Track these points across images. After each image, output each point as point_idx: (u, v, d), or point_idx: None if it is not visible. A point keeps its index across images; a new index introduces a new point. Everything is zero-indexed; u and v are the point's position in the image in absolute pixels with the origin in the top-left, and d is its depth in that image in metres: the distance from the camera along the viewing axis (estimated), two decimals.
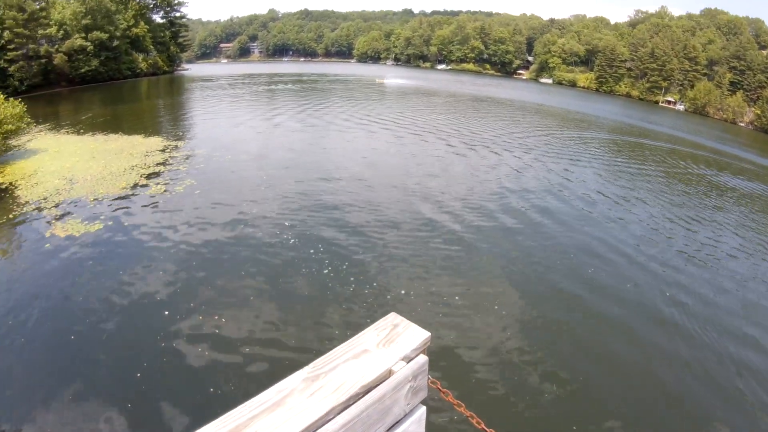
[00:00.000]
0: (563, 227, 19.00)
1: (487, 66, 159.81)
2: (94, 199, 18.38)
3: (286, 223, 16.75)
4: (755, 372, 11.20)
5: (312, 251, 14.77)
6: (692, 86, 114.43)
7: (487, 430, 2.57)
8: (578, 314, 12.87)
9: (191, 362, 9.61)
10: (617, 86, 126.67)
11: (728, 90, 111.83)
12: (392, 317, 2.34)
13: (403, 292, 12.91)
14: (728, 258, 18.34)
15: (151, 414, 8.38)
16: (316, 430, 1.76)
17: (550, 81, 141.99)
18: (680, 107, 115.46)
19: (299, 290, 12.63)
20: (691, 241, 19.48)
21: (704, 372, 11.05)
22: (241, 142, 29.98)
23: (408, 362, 2.13)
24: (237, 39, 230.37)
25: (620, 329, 12.43)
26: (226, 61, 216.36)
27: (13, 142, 25.69)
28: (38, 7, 62.72)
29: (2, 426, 8.03)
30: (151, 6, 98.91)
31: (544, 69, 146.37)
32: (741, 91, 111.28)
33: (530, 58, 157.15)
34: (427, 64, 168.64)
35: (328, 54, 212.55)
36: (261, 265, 13.82)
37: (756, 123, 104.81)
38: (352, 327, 10.87)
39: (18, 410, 8.38)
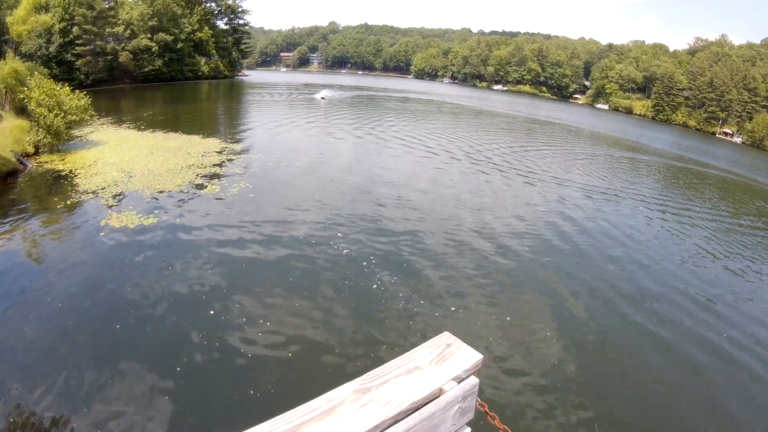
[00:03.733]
0: (630, 260, 18.50)
1: (544, 89, 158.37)
2: (150, 194, 18.85)
3: (339, 234, 16.78)
4: None
5: (364, 263, 14.74)
6: (751, 118, 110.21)
7: None
8: (638, 357, 12.39)
9: (232, 362, 9.67)
10: (674, 115, 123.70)
11: None
12: (446, 336, 2.31)
13: (453, 309, 12.78)
14: None
15: (188, 410, 8.46)
16: None
17: (606, 107, 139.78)
18: (738, 139, 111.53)
19: (348, 301, 12.60)
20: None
21: None
22: (297, 151, 30.30)
23: (459, 383, 2.09)
24: (297, 49, 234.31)
25: (685, 374, 11.83)
26: (285, 69, 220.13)
27: (76, 132, 26.72)
28: (107, 6, 65.39)
29: (38, 407, 8.23)
30: (216, 12, 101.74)
31: (600, 94, 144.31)
32: None
33: (587, 83, 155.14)
34: (484, 84, 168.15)
35: (385, 68, 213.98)
36: (310, 273, 13.85)
37: None
38: (400, 343, 10.80)
39: (56, 393, 8.57)
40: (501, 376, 10.28)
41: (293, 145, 32.56)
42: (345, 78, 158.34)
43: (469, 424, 2.23)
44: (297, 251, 15.16)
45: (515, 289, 14.54)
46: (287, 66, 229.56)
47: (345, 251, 15.43)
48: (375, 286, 13.40)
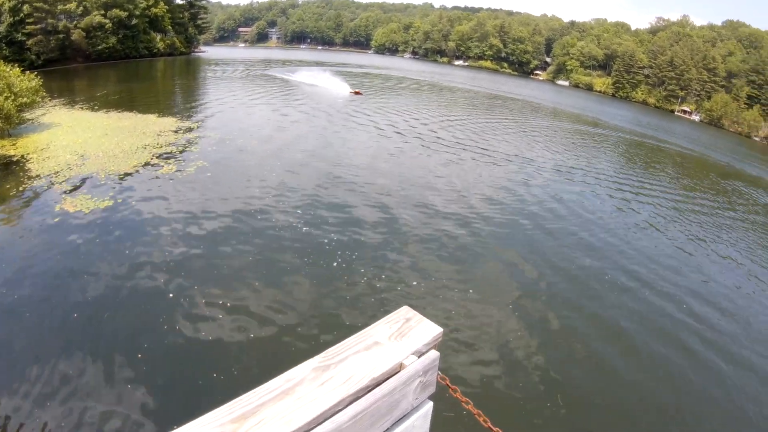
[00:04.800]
0: (584, 228, 19.02)
1: (505, 65, 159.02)
2: (105, 176, 18.46)
3: (298, 212, 16.76)
4: None
5: (325, 240, 14.78)
6: (709, 97, 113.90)
7: (493, 428, 2.54)
8: (594, 321, 12.78)
9: (194, 346, 9.62)
10: (634, 92, 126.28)
11: (745, 103, 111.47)
12: (405, 311, 2.33)
13: (414, 283, 12.92)
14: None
15: (151, 396, 8.39)
16: (325, 420, 1.75)
17: (566, 83, 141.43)
18: (695, 117, 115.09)
19: (308, 279, 12.61)
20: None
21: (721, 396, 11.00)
22: (254, 128, 29.97)
23: (419, 357, 2.11)
24: (256, 24, 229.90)
25: (635, 339, 12.32)
26: (243, 45, 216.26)
27: (27, 115, 25.80)
28: None
29: None
30: None
31: (561, 71, 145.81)
32: (758, 105, 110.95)
33: (548, 59, 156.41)
34: (445, 59, 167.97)
35: (345, 44, 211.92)
36: (270, 253, 13.81)
37: None
38: (362, 318, 10.89)
39: (12, 384, 8.43)
40: (463, 349, 10.48)
41: (251, 122, 32.21)
42: (304, 53, 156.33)
43: (431, 398, 2.24)
44: (256, 230, 15.09)
45: (477, 264, 14.78)
46: (245, 42, 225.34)
47: (305, 229, 15.42)
48: (336, 264, 13.45)
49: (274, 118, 34.01)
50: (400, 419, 2.09)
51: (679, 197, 27.95)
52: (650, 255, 17.83)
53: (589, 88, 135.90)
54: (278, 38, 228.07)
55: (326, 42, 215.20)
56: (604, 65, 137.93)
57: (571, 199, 22.62)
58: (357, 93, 51.19)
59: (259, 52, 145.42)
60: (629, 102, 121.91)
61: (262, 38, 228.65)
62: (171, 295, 11.20)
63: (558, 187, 24.37)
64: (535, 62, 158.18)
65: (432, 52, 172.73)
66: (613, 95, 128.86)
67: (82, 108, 31.39)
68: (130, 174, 19.01)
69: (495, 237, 16.98)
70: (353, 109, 41.01)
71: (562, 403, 9.37)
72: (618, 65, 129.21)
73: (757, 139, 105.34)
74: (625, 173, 31.91)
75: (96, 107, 31.72)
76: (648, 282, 15.44)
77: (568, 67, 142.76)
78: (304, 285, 12.31)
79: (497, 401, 9.19)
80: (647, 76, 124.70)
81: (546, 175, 26.74)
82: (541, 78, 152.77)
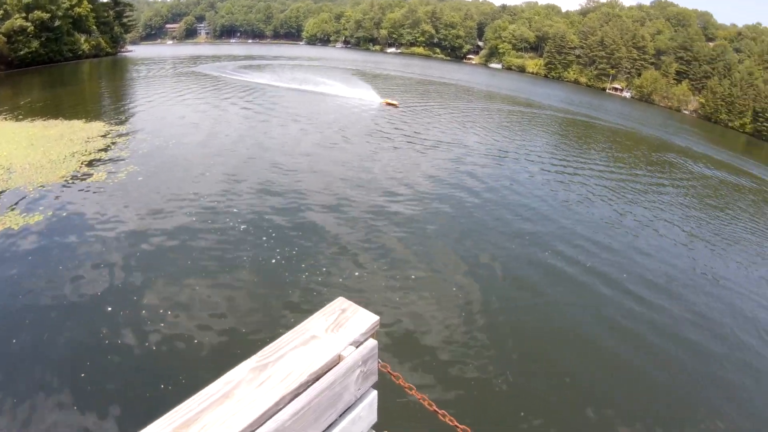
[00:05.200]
0: (520, 208, 19.49)
1: (437, 50, 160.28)
2: (34, 189, 17.69)
3: (234, 210, 16.54)
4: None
5: (263, 238, 14.65)
6: (639, 74, 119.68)
7: (438, 411, 2.59)
8: (533, 299, 13.13)
9: (137, 358, 9.40)
10: (566, 72, 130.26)
11: (674, 79, 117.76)
12: (340, 302, 2.34)
13: (356, 274, 12.97)
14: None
15: (99, 415, 8.15)
16: (266, 420, 1.74)
17: (499, 66, 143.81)
18: (627, 94, 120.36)
19: (249, 278, 12.49)
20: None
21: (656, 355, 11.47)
22: (186, 128, 29.33)
23: (357, 347, 2.12)
24: (183, 20, 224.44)
25: (575, 317, 12.75)
26: (171, 42, 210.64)
27: None
28: None
29: None
30: None
31: (493, 54, 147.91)
32: (687, 80, 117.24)
33: (480, 44, 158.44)
34: (377, 47, 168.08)
35: (276, 36, 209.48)
36: (208, 254, 13.59)
37: (700, 111, 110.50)
38: (304, 313, 10.79)
39: None
40: (404, 335, 10.58)
41: (182, 122, 31.43)
42: (235, 48, 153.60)
43: (374, 386, 2.26)
44: (192, 232, 14.83)
45: (415, 251, 14.90)
46: (173, 38, 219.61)
47: (242, 227, 15.27)
48: (275, 261, 13.37)
49: (206, 117, 33.27)
50: (345, 411, 2.09)
51: (612, 171, 28.96)
52: (586, 229, 18.53)
53: (522, 70, 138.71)
54: (207, 33, 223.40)
55: (257, 35, 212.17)
56: (535, 47, 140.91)
57: (508, 180, 23.18)
58: (392, 104, 42.67)
59: (187, 49, 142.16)
60: (561, 82, 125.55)
61: (190, 34, 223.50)
62: (110, 308, 10.87)
63: (494, 170, 24.96)
64: (468, 47, 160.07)
65: (364, 41, 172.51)
66: (546, 76, 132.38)
67: (4, 118, 30.02)
68: (59, 185, 18.28)
69: (432, 223, 17.20)
70: (285, 102, 40.66)
71: (508, 382, 9.62)
72: (549, 47, 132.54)
73: (686, 112, 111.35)
74: (559, 151, 32.87)
75: (20, 116, 30.40)
76: (584, 258, 15.98)
77: (501, 51, 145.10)
78: (244, 284, 12.20)
79: (442, 384, 9.30)
80: (578, 57, 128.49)
81: (480, 158, 27.30)
82: (474, 62, 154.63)
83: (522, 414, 8.92)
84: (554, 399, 9.53)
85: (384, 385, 2.42)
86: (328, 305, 2.31)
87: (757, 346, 12.95)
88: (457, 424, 2.57)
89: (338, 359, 2.04)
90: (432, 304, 11.93)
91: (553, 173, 26.05)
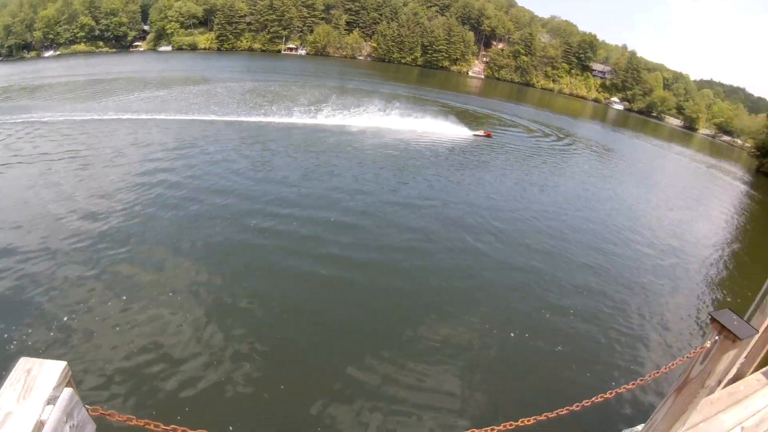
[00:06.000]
0: (216, 194, 19.35)
1: (101, 43, 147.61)
2: None
3: None
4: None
5: None
6: (311, 31, 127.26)
7: (168, 428, 2.57)
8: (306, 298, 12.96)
9: None
10: (239, 42, 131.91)
11: (345, 30, 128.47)
12: (23, 363, 2.12)
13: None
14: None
15: None
16: None
17: (169, 48, 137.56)
18: (302, 52, 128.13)
19: None
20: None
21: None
22: None
23: (55, 403, 1.98)
24: None
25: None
26: None
27: None
28: None
29: None
30: None
31: (162, 37, 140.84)
32: (357, 29, 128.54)
33: (146, 28, 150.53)
34: (33, 53, 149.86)
35: None
36: None
37: (373, 54, 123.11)
38: None
39: None
40: (105, 369, 9.33)
41: None
42: None
43: None
44: None
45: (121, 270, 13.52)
46: None
47: None
48: None
49: None
50: None
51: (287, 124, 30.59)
52: (268, 201, 19.10)
53: (194, 47, 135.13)
54: None
55: None
56: (205, 21, 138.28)
57: (199, 166, 22.80)
58: (486, 135, 40.01)
59: None
60: (236, 52, 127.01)
61: None
62: None
63: (184, 162, 23.61)
64: (134, 33, 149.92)
65: (18, 49, 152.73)
66: (219, 49, 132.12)
67: None
68: None
69: (124, 235, 15.50)
70: None
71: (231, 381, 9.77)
72: (219, 19, 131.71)
73: (361, 58, 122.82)
74: (248, 115, 33.87)
75: None
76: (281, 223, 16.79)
77: (168, 31, 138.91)
78: None
79: (162, 401, 8.72)
80: (249, 24, 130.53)
81: (163, 151, 25.37)
82: (142, 49, 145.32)
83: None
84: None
85: (106, 427, 2.30)
86: (12, 371, 2.08)
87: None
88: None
89: (42, 425, 1.89)
90: (115, 322, 11.07)
91: (236, 146, 26.42)
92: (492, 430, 3.22)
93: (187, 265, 13.71)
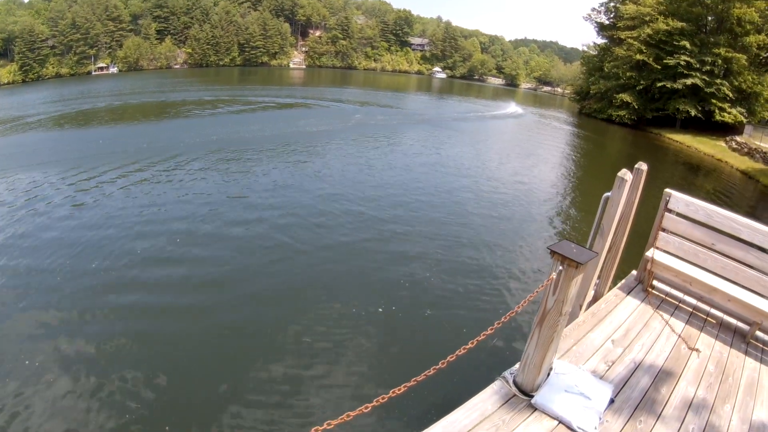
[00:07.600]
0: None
1: None
2: None
3: None
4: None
5: None
6: (121, 46, 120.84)
7: None
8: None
9: None
10: (44, 69, 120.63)
11: (156, 39, 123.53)
12: None
13: None
14: None
15: None
16: None
17: None
18: (114, 70, 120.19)
19: None
20: None
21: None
22: None
23: None
24: None
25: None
26: None
27: None
28: None
29: None
30: None
31: None
32: (169, 36, 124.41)
33: None
34: None
35: None
36: None
37: (189, 61, 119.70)
38: None
39: None
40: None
41: None
42: None
43: None
44: None
45: None
46: None
47: None
48: None
49: None
50: None
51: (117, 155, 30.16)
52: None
53: None
54: None
55: None
56: (4, 53, 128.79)
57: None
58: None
59: None
60: (44, 81, 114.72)
61: None
62: None
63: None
64: None
65: None
66: (24, 81, 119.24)
67: None
68: None
69: None
70: None
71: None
72: (20, 47, 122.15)
73: (177, 66, 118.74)
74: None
75: None
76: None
77: None
78: None
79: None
80: (53, 47, 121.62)
81: None
82: None
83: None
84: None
85: None
86: None
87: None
88: None
89: None
90: None
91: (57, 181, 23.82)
92: (366, 407, 3.34)
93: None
